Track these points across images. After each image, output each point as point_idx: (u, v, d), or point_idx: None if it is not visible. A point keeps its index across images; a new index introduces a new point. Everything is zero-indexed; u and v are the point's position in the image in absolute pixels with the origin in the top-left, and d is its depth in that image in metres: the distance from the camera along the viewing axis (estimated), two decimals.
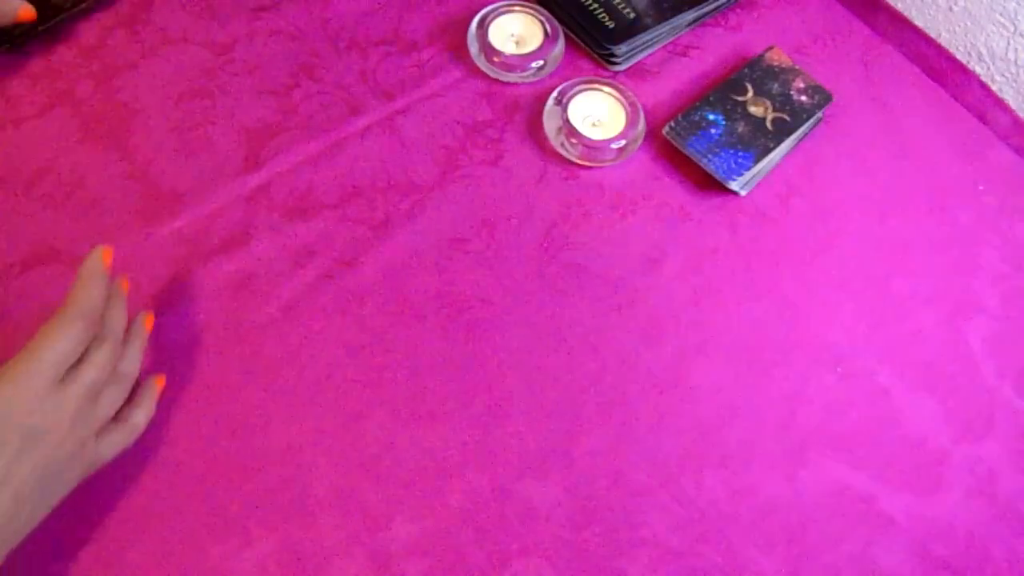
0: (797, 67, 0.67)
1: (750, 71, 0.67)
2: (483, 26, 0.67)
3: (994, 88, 0.70)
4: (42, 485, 0.42)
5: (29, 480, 0.41)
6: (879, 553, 0.52)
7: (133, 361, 0.49)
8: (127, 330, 0.50)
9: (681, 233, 0.62)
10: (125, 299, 0.50)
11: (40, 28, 0.63)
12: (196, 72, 0.65)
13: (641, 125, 0.64)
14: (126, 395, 0.49)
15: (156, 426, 0.51)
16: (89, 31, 0.66)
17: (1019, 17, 0.67)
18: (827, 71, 0.69)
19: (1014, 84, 0.70)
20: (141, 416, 0.49)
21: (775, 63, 0.67)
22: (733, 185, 0.62)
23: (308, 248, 0.59)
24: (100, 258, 0.47)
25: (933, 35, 0.72)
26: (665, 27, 0.63)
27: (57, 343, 0.43)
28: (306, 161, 0.62)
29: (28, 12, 0.60)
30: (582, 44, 0.68)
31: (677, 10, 0.65)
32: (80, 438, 0.44)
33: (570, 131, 0.63)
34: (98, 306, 0.46)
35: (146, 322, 0.52)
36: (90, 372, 0.45)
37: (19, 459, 0.41)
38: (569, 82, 0.65)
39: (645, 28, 0.63)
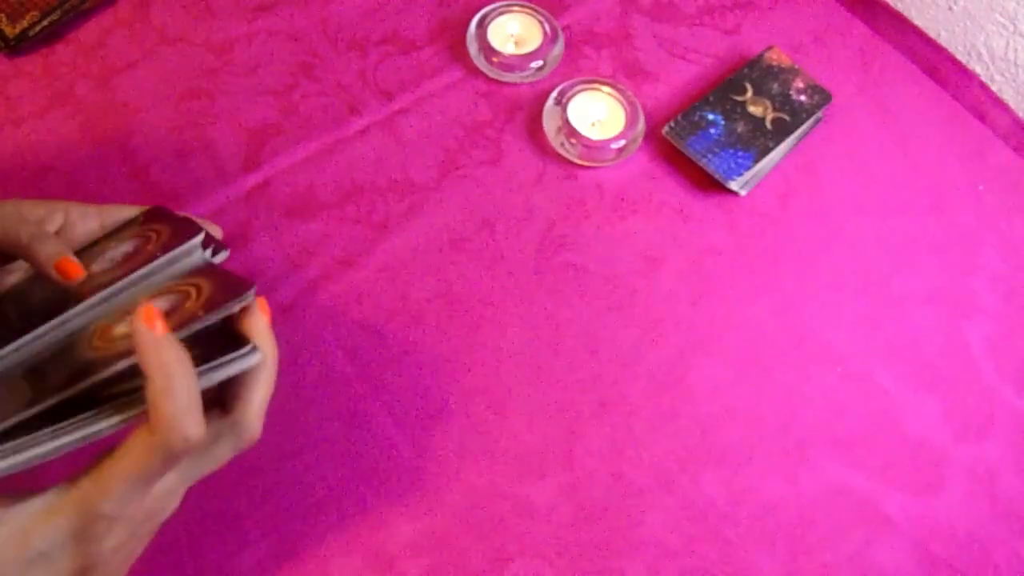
0: (796, 67, 0.67)
1: (749, 71, 0.67)
2: (482, 26, 0.67)
3: (994, 88, 0.70)
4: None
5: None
6: (879, 553, 0.52)
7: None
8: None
9: (681, 233, 0.62)
10: None
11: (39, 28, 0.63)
12: (196, 72, 0.65)
13: (641, 125, 0.64)
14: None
15: None
16: (89, 31, 0.66)
17: (1019, 17, 0.67)
18: (827, 71, 0.69)
19: (1014, 84, 0.70)
20: (226, 450, 0.37)
21: (774, 63, 0.67)
22: (733, 185, 0.62)
23: (308, 248, 0.59)
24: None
25: (933, 35, 0.72)
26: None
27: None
28: (306, 161, 0.62)
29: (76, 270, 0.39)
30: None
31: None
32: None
33: (570, 131, 0.63)
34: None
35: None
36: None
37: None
38: (569, 82, 0.65)
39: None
